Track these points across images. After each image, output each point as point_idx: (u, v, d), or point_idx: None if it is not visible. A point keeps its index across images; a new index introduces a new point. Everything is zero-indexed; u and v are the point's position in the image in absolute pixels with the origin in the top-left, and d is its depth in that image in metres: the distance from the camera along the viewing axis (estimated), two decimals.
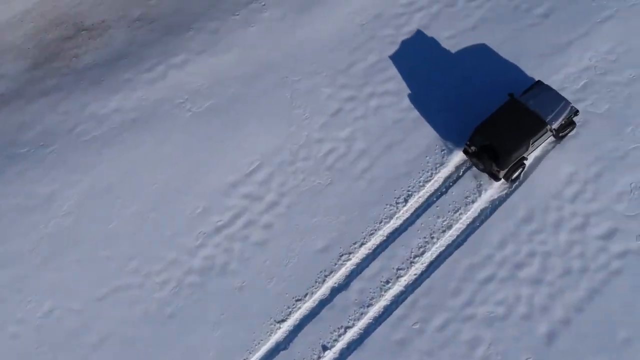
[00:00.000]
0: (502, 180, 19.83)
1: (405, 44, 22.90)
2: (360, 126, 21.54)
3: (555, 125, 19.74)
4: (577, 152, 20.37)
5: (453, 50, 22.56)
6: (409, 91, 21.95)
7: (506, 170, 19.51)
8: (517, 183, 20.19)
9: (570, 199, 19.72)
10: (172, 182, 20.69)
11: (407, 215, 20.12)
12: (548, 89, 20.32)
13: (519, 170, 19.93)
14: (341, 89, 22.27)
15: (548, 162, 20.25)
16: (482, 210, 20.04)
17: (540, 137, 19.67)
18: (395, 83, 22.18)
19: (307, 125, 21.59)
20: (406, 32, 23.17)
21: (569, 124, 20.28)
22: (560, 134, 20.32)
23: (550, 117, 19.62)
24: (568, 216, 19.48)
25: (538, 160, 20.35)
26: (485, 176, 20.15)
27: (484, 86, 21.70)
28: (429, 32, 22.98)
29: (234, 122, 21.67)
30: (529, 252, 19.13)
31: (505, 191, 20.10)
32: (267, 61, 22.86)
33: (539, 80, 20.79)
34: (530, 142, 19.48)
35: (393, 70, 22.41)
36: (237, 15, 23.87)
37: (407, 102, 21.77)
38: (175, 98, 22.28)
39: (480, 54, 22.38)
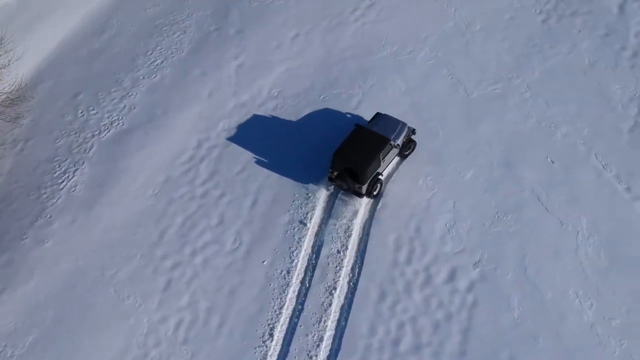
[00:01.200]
0: (366, 197, 22.25)
1: (203, 194, 23.44)
2: (196, 287, 21.21)
3: (398, 142, 22.94)
4: (391, 219, 22.11)
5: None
6: (227, 234, 22.29)
7: (366, 185, 21.97)
8: (378, 199, 22.53)
9: (406, 261, 21.14)
10: None
11: (278, 348, 19.91)
12: (387, 116, 23.82)
13: (378, 187, 22.63)
14: (162, 261, 21.90)
15: (374, 239, 21.65)
16: (341, 308, 20.56)
17: (387, 152, 22.59)
18: (211, 232, 22.42)
19: (144, 311, 20.70)
20: (199, 183, 23.79)
21: (410, 142, 23.56)
22: (405, 153, 23.60)
23: (392, 135, 22.92)
24: (412, 277, 20.79)
25: (365, 242, 21.69)
26: (330, 273, 20.91)
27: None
28: (218, 176, 23.83)
29: (67, 351, 19.98)
30: (398, 325, 19.91)
31: (352, 281, 20.95)
32: (75, 269, 21.78)
33: (378, 112, 24.13)
34: (381, 157, 22.31)
35: (204, 222, 22.69)
36: (26, 238, 22.65)
37: (228, 245, 22.03)
38: None
39: (268, 179, 23.75)
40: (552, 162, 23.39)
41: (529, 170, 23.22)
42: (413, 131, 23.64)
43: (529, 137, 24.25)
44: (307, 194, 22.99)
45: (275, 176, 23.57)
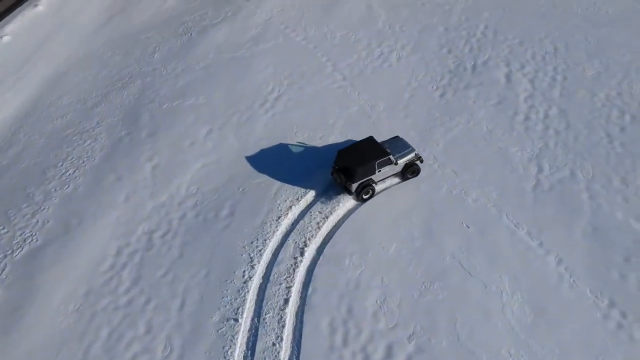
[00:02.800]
0: (355, 198, 25.23)
1: (128, 302, 22.62)
2: None
3: (399, 161, 25.58)
4: (323, 303, 22.07)
5: (171, 281, 23.12)
6: (156, 342, 21.45)
7: (356, 185, 24.88)
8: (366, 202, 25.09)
9: (342, 344, 21.01)
10: None
11: None
12: (400, 139, 26.73)
13: (369, 193, 25.42)
14: None
15: (308, 326, 21.45)
16: None
17: (385, 165, 25.21)
18: (139, 342, 21.47)
19: None
20: (122, 291, 23.00)
21: (412, 166, 25.92)
22: (408, 175, 26.10)
23: (396, 154, 25.72)
24: (351, 359, 20.62)
25: (299, 330, 21.46)
26: None
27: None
28: (142, 282, 23.18)
29: None
30: None
31: None
32: None
33: (397, 136, 27.02)
34: (376, 166, 25.02)
35: (131, 332, 21.76)
36: None
37: (159, 353, 21.16)
38: None
39: (194, 278, 23.37)
40: (468, 227, 24.43)
41: (448, 237, 24.09)
42: (420, 159, 26.09)
43: (444, 206, 25.32)
44: (237, 288, 22.69)
45: (201, 274, 23.19)
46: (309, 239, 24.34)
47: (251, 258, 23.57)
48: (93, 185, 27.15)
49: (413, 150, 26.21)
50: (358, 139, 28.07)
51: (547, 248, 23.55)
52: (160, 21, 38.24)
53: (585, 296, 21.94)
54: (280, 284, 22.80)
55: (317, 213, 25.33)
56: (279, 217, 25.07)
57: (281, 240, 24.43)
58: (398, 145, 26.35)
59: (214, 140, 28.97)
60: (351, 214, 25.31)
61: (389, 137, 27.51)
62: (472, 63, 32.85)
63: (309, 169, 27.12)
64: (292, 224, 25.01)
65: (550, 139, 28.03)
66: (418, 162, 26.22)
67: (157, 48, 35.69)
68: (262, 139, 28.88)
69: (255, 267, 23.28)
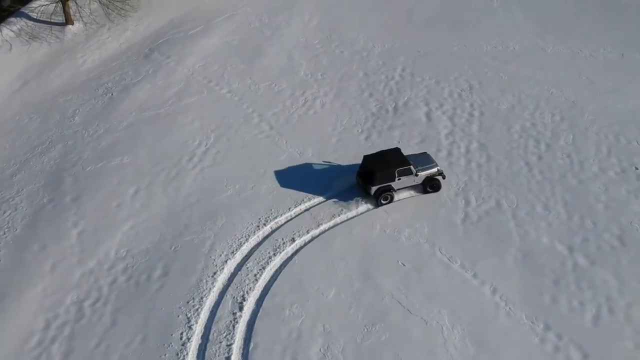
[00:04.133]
0: (374, 200, 26.88)
1: None
2: None
3: (420, 173, 27.21)
4: (266, 357, 21.55)
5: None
6: None
7: (375, 188, 26.69)
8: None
9: None
10: None
11: None
12: (426, 154, 28.61)
13: (388, 199, 27.04)
14: None
15: None
16: None
17: (404, 172, 26.87)
18: None
19: None
20: None
21: (433, 180, 27.37)
22: (428, 189, 27.47)
23: (418, 166, 27.33)
24: None
25: None
26: None
27: None
28: (74, 355, 21.96)
29: None
30: None
31: None
32: None
33: (425, 152, 28.92)
34: (396, 174, 26.69)
35: None
36: None
37: None
38: None
39: (129, 347, 22.39)
40: (404, 265, 24.71)
41: (386, 277, 24.25)
42: (442, 174, 27.55)
43: (378, 246, 25.58)
44: (175, 352, 21.87)
45: (137, 340, 22.22)
46: (247, 292, 23.91)
47: (188, 318, 22.86)
48: (16, 256, 25.82)
49: (436, 165, 27.69)
50: (292, 185, 28.23)
51: (481, 279, 24.09)
52: (79, 83, 37.54)
53: (521, 322, 22.47)
54: (221, 342, 22.15)
55: (254, 265, 25.01)
56: (214, 273, 24.57)
57: (218, 296, 23.87)
58: (423, 159, 28.05)
59: (142, 200, 28.32)
60: (288, 262, 25.14)
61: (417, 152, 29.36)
62: (393, 105, 33.90)
63: (243, 220, 26.88)
64: (229, 279, 24.53)
65: (473, 172, 29.05)
66: (440, 178, 27.58)
67: (77, 110, 34.90)
68: (192, 194, 28.48)
69: (193, 327, 22.57)
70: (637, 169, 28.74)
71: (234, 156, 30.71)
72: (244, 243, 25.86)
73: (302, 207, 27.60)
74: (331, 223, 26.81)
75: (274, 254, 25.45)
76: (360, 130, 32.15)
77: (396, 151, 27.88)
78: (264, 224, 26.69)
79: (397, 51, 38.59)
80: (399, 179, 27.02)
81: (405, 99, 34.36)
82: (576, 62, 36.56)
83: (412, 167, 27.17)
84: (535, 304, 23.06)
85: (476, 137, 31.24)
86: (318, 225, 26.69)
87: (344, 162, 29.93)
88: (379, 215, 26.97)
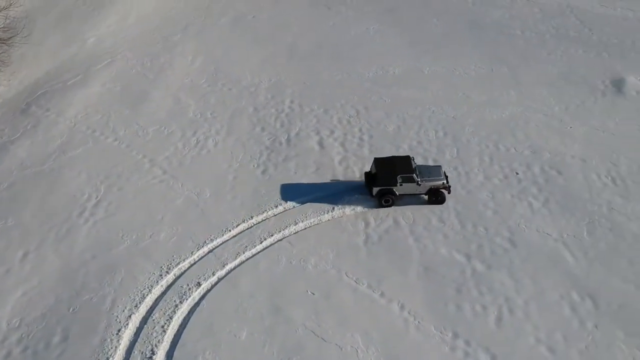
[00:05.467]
0: (377, 201, 28.60)
1: None
2: None
3: (424, 183, 28.44)
4: None
5: None
6: None
7: (377, 190, 28.35)
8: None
9: None
10: None
11: None
12: (438, 167, 29.66)
13: (389, 202, 28.61)
14: None
15: None
16: None
17: (407, 179, 28.26)
18: None
19: None
20: None
21: (438, 191, 28.47)
22: (432, 198, 28.69)
23: (424, 176, 28.71)
24: None
25: None
26: None
27: None
28: None
29: None
30: None
31: None
32: None
33: (440, 165, 30.18)
34: (399, 180, 28.20)
35: None
36: None
37: None
38: None
39: None
40: (313, 294, 24.82)
41: (296, 309, 24.22)
42: (448, 188, 28.56)
43: (286, 278, 25.55)
44: None
45: None
46: (155, 345, 22.98)
47: None
48: None
49: (442, 179, 28.71)
50: (192, 230, 27.65)
51: (388, 297, 24.65)
52: None
53: (431, 334, 23.18)
54: None
55: (160, 316, 24.12)
56: (119, 330, 23.43)
57: (126, 353, 22.77)
58: (431, 170, 29.24)
59: (32, 263, 26.62)
60: (196, 307, 24.48)
61: (432, 164, 31.05)
62: (286, 137, 34.31)
63: (145, 270, 25.93)
64: (135, 334, 23.50)
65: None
66: (444, 191, 28.55)
67: None
68: (87, 250, 27.15)
69: None
70: (517, 173, 30.78)
71: (128, 205, 29.69)
72: (148, 294, 24.93)
73: (205, 249, 27.10)
74: (236, 261, 26.48)
75: (181, 302, 24.71)
76: (256, 165, 32.20)
77: (406, 159, 29.24)
78: (167, 272, 25.91)
79: (283, 84, 39.23)
80: (401, 185, 28.35)
81: (297, 129, 34.89)
82: (452, 80, 38.84)
83: (415, 175, 28.33)
84: (441, 314, 23.89)
85: (368, 159, 32.21)
86: (223, 266, 26.28)
87: (243, 198, 29.79)
88: (284, 247, 27.00)
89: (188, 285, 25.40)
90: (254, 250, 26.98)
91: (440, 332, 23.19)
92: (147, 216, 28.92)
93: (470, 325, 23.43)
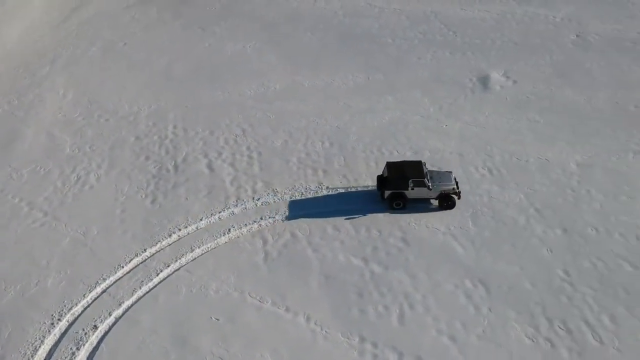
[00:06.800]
0: (388, 204, 29.20)
1: None
2: None
3: (434, 188, 29.01)
4: None
5: None
6: None
7: (388, 193, 28.99)
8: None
9: None
10: None
11: None
12: (448, 173, 30.18)
13: (401, 204, 29.14)
14: None
15: None
16: None
17: (418, 184, 28.82)
18: None
19: None
20: None
21: (448, 197, 29.09)
22: (443, 203, 29.23)
23: (433, 181, 29.31)
24: None
25: None
26: None
27: None
28: None
29: None
30: None
31: None
32: None
33: (450, 171, 30.52)
34: (410, 184, 28.75)
35: None
36: None
37: None
38: None
39: None
40: (218, 320, 24.38)
41: (202, 337, 23.67)
42: (458, 194, 29.15)
43: (188, 307, 24.90)
44: None
45: None
46: None
47: None
48: None
49: (451, 184, 29.28)
50: (82, 271, 26.25)
51: (294, 310, 24.74)
52: None
53: (339, 342, 23.50)
54: None
55: None
56: None
57: None
58: (442, 176, 29.79)
59: None
60: (95, 352, 23.25)
61: (444, 170, 31.59)
62: (173, 163, 33.57)
63: (34, 321, 24.25)
64: None
65: (264, 211, 29.89)
66: (455, 197, 29.15)
67: None
68: None
69: None
70: None
71: (8, 254, 27.71)
72: (40, 346, 23.36)
73: (98, 289, 25.84)
74: (134, 298, 25.47)
75: (77, 348, 23.37)
76: (144, 196, 31.20)
77: (417, 164, 29.80)
78: (59, 319, 24.42)
79: (164, 110, 38.40)
80: (412, 189, 28.83)
81: (184, 154, 34.25)
82: (332, 91, 39.85)
83: (426, 180, 28.79)
84: (347, 320, 24.31)
85: (259, 176, 32.24)
86: (120, 304, 25.19)
87: (134, 231, 28.73)
88: (182, 276, 26.34)
89: (84, 329, 24.08)
90: (151, 284, 26.09)
91: (347, 338, 23.58)
92: (31, 263, 27.14)
93: (375, 327, 24.01)
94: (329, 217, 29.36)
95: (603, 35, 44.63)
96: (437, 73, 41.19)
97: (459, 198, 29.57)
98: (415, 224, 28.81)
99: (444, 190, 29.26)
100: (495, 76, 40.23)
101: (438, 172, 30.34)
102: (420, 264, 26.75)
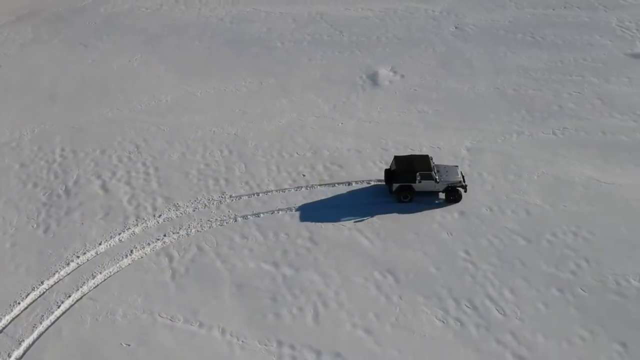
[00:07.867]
0: (395, 197, 29.78)
1: None
2: None
3: (441, 180, 29.42)
4: None
5: None
6: None
7: (396, 186, 29.46)
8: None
9: None
10: None
11: None
12: (454, 167, 30.63)
13: (408, 197, 29.65)
14: None
15: None
16: None
17: (426, 177, 29.24)
18: None
19: None
20: None
21: (454, 191, 29.49)
22: (450, 197, 29.64)
23: (440, 175, 29.75)
24: None
25: None
26: None
27: None
28: None
29: None
30: None
31: None
32: None
33: (457, 165, 31.27)
34: (417, 177, 29.19)
35: None
36: None
37: None
38: None
39: None
40: (128, 345, 23.41)
41: None
42: (464, 187, 29.52)
43: (96, 337, 23.76)
44: None
45: None
46: None
47: None
48: None
49: (457, 179, 29.57)
50: None
51: (207, 325, 24.24)
52: None
53: (257, 350, 23.30)
54: None
55: None
56: None
57: None
58: (449, 170, 30.17)
59: None
60: None
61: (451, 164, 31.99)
62: (64, 188, 31.87)
63: None
64: None
65: (166, 228, 29.06)
66: (461, 190, 29.50)
67: None
68: None
69: None
70: (304, 175, 32.30)
71: None
72: None
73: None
74: (34, 335, 23.94)
75: None
76: (35, 225, 29.40)
77: (425, 157, 30.16)
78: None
79: (49, 132, 36.39)
80: (419, 182, 29.18)
81: (75, 177, 32.61)
82: (226, 99, 39.43)
83: (433, 172, 29.14)
84: (262, 327, 24.14)
85: (158, 192, 31.31)
86: (19, 344, 23.60)
87: (27, 264, 26.99)
88: (86, 305, 25.09)
89: None
90: (52, 317, 24.63)
91: (265, 345, 23.42)
92: None
93: (291, 330, 24.01)
94: (235, 226, 29.04)
95: (479, 25, 47.23)
96: (328, 73, 41.85)
97: (465, 191, 30.12)
98: (321, 224, 29.10)
99: (450, 184, 29.65)
100: (384, 72, 41.46)
101: (445, 166, 30.87)
102: (329, 261, 27.05)
